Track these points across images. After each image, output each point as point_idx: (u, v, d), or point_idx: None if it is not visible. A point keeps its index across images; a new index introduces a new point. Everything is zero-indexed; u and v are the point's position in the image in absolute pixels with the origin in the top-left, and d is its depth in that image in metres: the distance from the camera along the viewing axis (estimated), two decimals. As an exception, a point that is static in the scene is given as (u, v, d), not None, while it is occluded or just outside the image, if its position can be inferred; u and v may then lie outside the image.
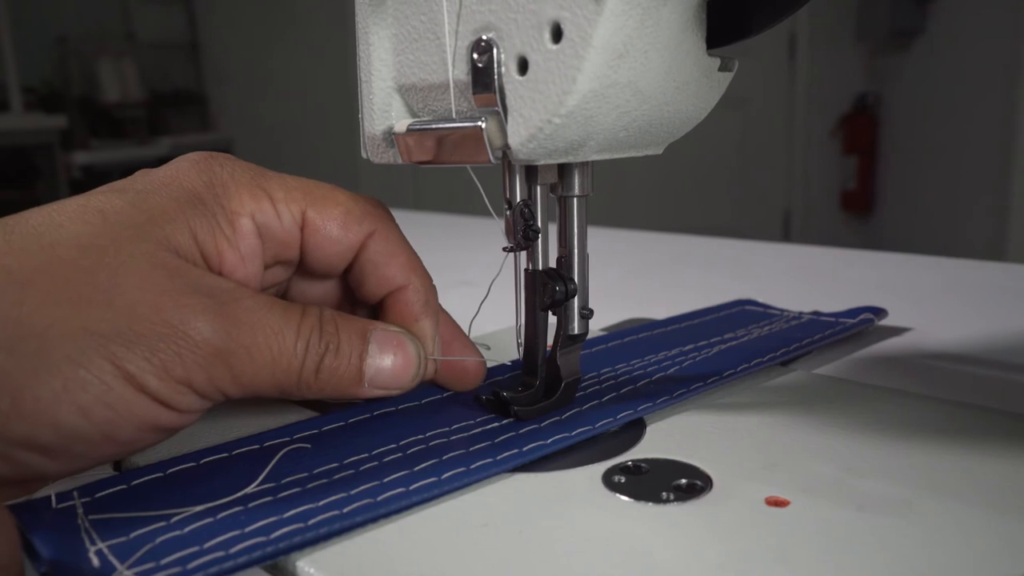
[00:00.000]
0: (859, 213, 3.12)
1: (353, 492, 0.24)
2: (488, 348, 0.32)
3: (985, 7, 2.52)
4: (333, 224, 0.29)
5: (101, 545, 0.21)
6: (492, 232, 0.29)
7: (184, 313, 0.24)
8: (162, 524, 0.22)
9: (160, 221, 0.26)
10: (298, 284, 0.31)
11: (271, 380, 0.25)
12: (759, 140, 3.14)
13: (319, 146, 3.37)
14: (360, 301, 0.31)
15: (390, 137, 0.29)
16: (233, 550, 0.21)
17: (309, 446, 0.27)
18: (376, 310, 0.31)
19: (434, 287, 0.31)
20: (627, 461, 0.26)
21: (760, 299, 0.46)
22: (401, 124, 0.28)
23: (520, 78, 0.24)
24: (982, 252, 2.53)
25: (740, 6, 0.26)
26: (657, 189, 3.09)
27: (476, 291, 0.32)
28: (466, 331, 0.32)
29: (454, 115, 0.27)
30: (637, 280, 0.60)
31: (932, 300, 0.49)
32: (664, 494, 0.24)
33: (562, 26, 0.23)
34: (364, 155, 0.30)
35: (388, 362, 0.28)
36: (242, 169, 0.29)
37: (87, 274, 0.23)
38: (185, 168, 0.28)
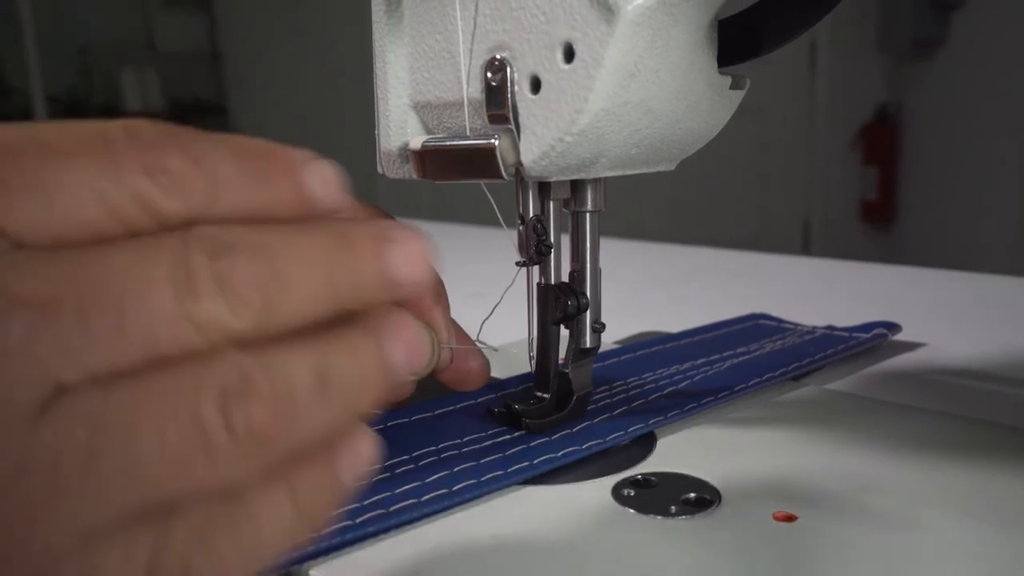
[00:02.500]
0: (879, 224, 3.10)
1: (365, 503, 0.24)
2: (495, 350, 0.32)
3: (1007, 17, 2.50)
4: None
5: None
6: (510, 244, 0.30)
7: None
8: None
9: None
10: None
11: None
12: (779, 150, 3.13)
13: (339, 156, 3.37)
14: None
15: (405, 153, 0.30)
16: None
17: None
18: None
19: (441, 280, 0.32)
20: (637, 474, 0.27)
21: (775, 312, 0.46)
22: (416, 141, 0.29)
23: (533, 97, 0.25)
24: (1005, 262, 2.50)
25: (751, 26, 0.27)
26: (675, 199, 3.08)
27: (490, 303, 0.32)
28: (476, 335, 0.33)
29: (468, 132, 0.27)
30: (651, 293, 0.60)
31: (947, 315, 0.49)
32: (673, 508, 0.24)
33: (574, 46, 0.23)
34: (380, 170, 0.31)
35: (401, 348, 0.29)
36: None
37: None
38: None
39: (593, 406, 0.31)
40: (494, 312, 0.32)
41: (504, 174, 0.26)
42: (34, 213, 0.15)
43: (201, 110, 3.77)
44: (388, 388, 0.18)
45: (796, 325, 0.44)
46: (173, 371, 0.15)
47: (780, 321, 0.45)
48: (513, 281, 0.30)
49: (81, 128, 0.16)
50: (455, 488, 0.25)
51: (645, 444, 0.29)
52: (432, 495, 0.25)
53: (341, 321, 0.17)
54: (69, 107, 3.33)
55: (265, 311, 0.16)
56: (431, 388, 0.31)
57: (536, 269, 0.29)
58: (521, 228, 0.29)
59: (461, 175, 0.28)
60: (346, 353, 0.17)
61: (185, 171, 0.16)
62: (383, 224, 0.18)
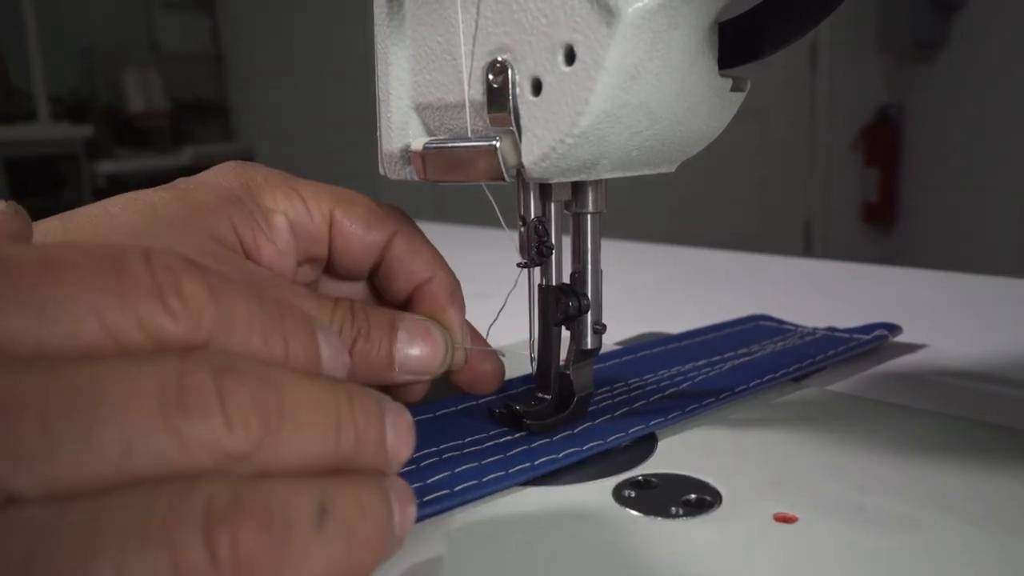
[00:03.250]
0: (881, 225, 3.10)
1: (367, 503, 0.24)
2: (503, 355, 0.32)
3: (1008, 17, 2.50)
4: (358, 223, 0.31)
5: None
6: (512, 245, 0.30)
7: None
8: None
9: (204, 214, 0.27)
10: (325, 285, 0.33)
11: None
12: (780, 151, 3.13)
13: (340, 156, 3.40)
14: (388, 302, 0.33)
15: (407, 155, 0.30)
16: None
17: None
18: (404, 308, 0.32)
19: (458, 281, 0.32)
20: (638, 476, 0.27)
21: (776, 313, 0.46)
22: (418, 142, 0.29)
23: (534, 99, 0.25)
24: (1007, 264, 2.50)
25: (751, 28, 0.27)
26: (676, 200, 3.08)
27: (494, 303, 0.32)
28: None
29: (469, 134, 0.28)
30: (653, 294, 0.60)
31: (949, 317, 0.49)
32: (674, 509, 0.24)
33: (575, 49, 0.24)
34: (382, 171, 0.31)
35: (417, 349, 0.29)
36: (274, 173, 0.31)
37: None
38: (223, 172, 0.30)
39: (594, 407, 0.31)
40: (500, 314, 0.32)
41: (505, 176, 0.26)
42: (20, 324, 0.14)
43: (203, 110, 3.77)
44: (388, 547, 0.16)
45: (797, 326, 0.44)
46: (147, 489, 0.13)
47: (781, 322, 0.45)
48: (516, 284, 0.30)
49: (97, 248, 0.15)
50: (456, 488, 0.25)
51: (646, 445, 0.29)
52: (433, 495, 0.25)
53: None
54: (72, 108, 3.33)
55: (263, 440, 0.14)
56: (431, 390, 0.31)
57: (537, 270, 0.30)
58: (522, 229, 0.29)
59: (462, 177, 0.28)
60: (351, 495, 0.16)
61: (200, 299, 0.15)
62: (379, 394, 0.18)
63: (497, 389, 0.33)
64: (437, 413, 0.31)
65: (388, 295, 0.32)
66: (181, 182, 0.30)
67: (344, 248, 0.31)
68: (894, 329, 0.42)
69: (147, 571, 0.12)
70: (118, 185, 3.23)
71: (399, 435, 0.18)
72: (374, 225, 0.31)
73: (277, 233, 0.29)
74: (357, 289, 0.33)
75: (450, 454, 0.28)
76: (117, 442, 0.13)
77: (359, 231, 0.31)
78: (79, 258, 0.14)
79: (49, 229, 0.26)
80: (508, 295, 0.30)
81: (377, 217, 0.31)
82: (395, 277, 0.31)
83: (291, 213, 0.30)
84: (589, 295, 0.30)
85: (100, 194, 3.35)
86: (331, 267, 0.32)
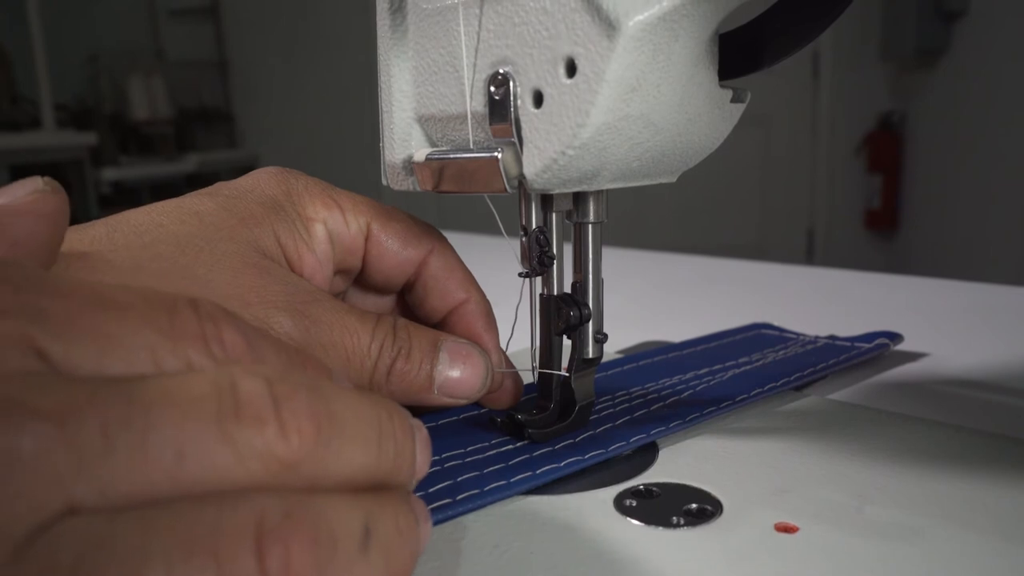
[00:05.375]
0: (884, 232, 3.10)
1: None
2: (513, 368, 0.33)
3: (1010, 25, 2.50)
4: (395, 239, 0.31)
5: None
6: (514, 253, 0.30)
7: (268, 309, 0.25)
8: None
9: (249, 224, 0.28)
10: (353, 296, 0.33)
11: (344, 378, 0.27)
12: (782, 158, 3.13)
13: (344, 165, 3.41)
14: (421, 319, 0.32)
15: (409, 165, 0.30)
16: None
17: None
18: (438, 328, 0.32)
19: (489, 302, 0.32)
20: (639, 485, 0.27)
21: (777, 322, 0.46)
22: (420, 153, 0.29)
23: (535, 111, 0.25)
24: (1009, 272, 2.50)
25: (752, 40, 0.27)
26: (679, 208, 3.08)
27: (496, 312, 0.32)
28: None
29: (471, 145, 0.28)
30: (654, 302, 0.60)
31: (950, 325, 0.49)
32: (675, 518, 0.24)
33: (576, 61, 0.24)
34: (384, 182, 0.31)
35: (457, 372, 0.29)
36: (314, 182, 0.31)
37: (185, 269, 0.25)
38: (264, 178, 0.30)
39: (596, 416, 0.32)
40: (498, 321, 0.32)
41: (507, 187, 0.27)
42: (84, 354, 0.14)
43: (208, 117, 3.79)
44: (413, 569, 0.17)
45: (798, 335, 0.44)
46: (200, 500, 0.13)
47: (782, 331, 0.45)
48: (521, 296, 0.30)
49: (151, 293, 0.16)
50: (458, 497, 0.25)
51: (647, 454, 0.29)
52: (435, 504, 0.25)
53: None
54: (77, 115, 3.34)
55: (315, 450, 0.14)
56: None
57: (539, 280, 0.30)
58: (524, 239, 0.29)
59: (464, 187, 0.28)
60: (391, 517, 0.16)
61: (238, 346, 0.16)
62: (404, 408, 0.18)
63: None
64: (439, 422, 0.32)
65: (420, 313, 0.32)
66: (224, 187, 0.30)
67: (378, 262, 0.31)
68: (895, 338, 0.42)
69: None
70: (123, 192, 3.24)
71: (423, 451, 0.18)
72: (411, 242, 0.31)
73: (317, 243, 0.30)
74: (385, 303, 0.33)
75: (452, 463, 0.28)
76: (171, 448, 0.13)
77: (395, 247, 0.31)
78: (136, 301, 0.16)
79: (96, 236, 0.26)
80: (517, 307, 0.30)
81: (415, 234, 0.31)
82: (429, 296, 0.32)
83: (330, 222, 0.30)
84: (590, 304, 0.30)
85: (105, 201, 3.35)
86: (362, 279, 0.32)
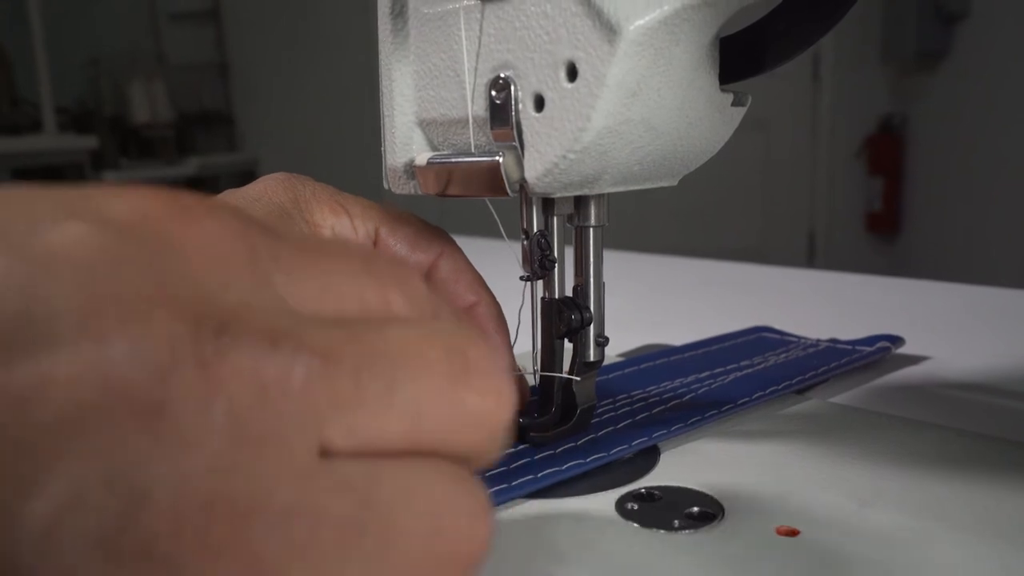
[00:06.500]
0: (885, 235, 3.10)
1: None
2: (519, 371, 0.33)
3: (1012, 28, 2.50)
4: (403, 243, 0.31)
5: None
6: (515, 257, 0.30)
7: None
8: None
9: None
10: None
11: None
12: (783, 161, 3.13)
13: (345, 168, 3.41)
14: None
15: (411, 169, 0.30)
16: None
17: None
18: None
19: (499, 305, 0.32)
20: (640, 488, 0.27)
21: (779, 325, 0.46)
22: (422, 157, 0.29)
23: (536, 115, 0.25)
24: (1011, 275, 2.50)
25: (752, 44, 0.27)
26: (680, 211, 3.08)
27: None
28: None
29: (473, 149, 0.28)
30: (656, 305, 0.60)
31: (952, 328, 0.49)
32: (676, 522, 0.24)
33: (577, 65, 0.24)
34: (386, 186, 0.31)
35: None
36: (321, 188, 0.31)
37: None
38: (272, 186, 0.31)
39: (597, 419, 0.32)
40: (516, 331, 0.32)
41: (508, 190, 0.27)
42: (309, 294, 0.15)
43: (208, 120, 3.79)
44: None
45: (799, 338, 0.44)
46: (427, 464, 0.14)
47: (783, 334, 0.45)
48: (523, 300, 0.30)
49: (344, 242, 0.17)
50: (459, 501, 0.25)
51: (649, 457, 0.29)
52: (437, 508, 0.25)
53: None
54: (78, 118, 3.35)
55: (508, 417, 0.15)
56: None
57: (540, 283, 0.30)
58: (525, 243, 0.29)
59: (466, 191, 0.28)
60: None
61: (423, 293, 0.17)
62: None
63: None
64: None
65: None
66: (231, 195, 0.30)
67: None
68: (897, 341, 0.42)
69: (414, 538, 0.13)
70: (123, 195, 3.23)
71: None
72: (420, 246, 0.31)
73: None
74: None
75: (453, 467, 0.28)
76: (413, 403, 0.14)
77: (404, 251, 0.31)
78: (339, 248, 0.16)
79: None
80: (519, 311, 0.30)
81: (423, 238, 0.31)
82: None
83: (337, 228, 0.30)
84: (592, 308, 0.30)
85: (105, 204, 3.35)
86: None
